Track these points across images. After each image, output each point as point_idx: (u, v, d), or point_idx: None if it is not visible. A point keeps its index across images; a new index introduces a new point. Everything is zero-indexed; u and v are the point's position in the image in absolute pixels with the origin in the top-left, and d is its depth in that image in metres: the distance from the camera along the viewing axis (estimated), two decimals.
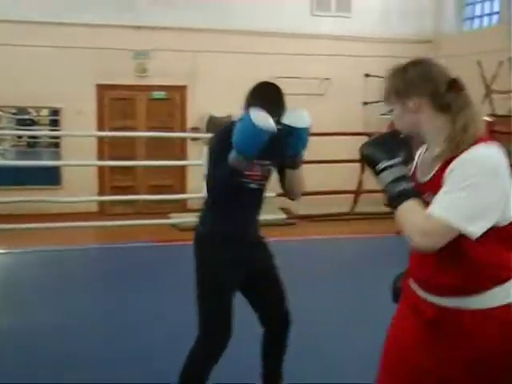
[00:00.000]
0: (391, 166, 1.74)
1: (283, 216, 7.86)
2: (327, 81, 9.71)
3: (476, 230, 1.64)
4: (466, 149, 1.69)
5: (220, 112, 9.45)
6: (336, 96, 9.69)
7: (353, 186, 7.74)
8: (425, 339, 1.79)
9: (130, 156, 8.95)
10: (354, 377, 3.23)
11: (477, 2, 10.14)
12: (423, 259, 1.80)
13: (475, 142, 1.70)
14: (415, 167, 1.91)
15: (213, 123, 9.42)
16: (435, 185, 1.72)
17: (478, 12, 10.13)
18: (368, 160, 1.81)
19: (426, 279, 1.81)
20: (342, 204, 8.00)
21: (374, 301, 4.70)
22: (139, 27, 8.94)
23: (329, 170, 8.08)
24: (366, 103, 9.86)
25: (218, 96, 9.37)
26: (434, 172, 1.77)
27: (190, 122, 9.51)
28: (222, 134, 2.69)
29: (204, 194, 2.86)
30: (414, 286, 1.87)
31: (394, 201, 1.74)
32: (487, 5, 9.90)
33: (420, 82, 1.81)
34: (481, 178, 1.64)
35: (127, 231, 7.29)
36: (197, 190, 7.73)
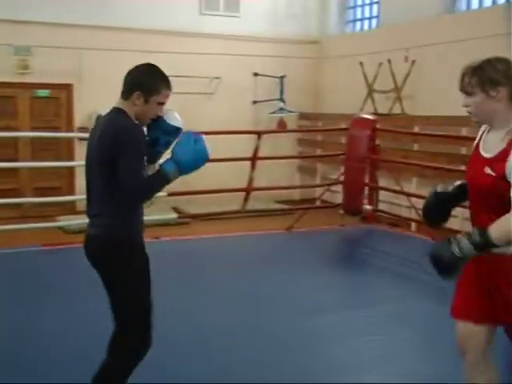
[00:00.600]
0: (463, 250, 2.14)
1: (175, 215, 7.81)
2: (217, 80, 9.75)
3: None
4: None
5: (108, 111, 9.24)
6: (226, 95, 9.75)
7: (243, 184, 7.82)
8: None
9: (14, 157, 8.53)
10: None
11: (358, 5, 10.57)
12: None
13: None
14: (478, 143, 2.37)
15: None
16: (499, 160, 2.18)
17: (359, 15, 10.57)
18: (442, 271, 2.21)
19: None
20: (233, 202, 8.06)
21: (264, 294, 4.78)
22: (19, 22, 8.53)
23: (219, 169, 8.11)
24: (255, 102, 9.99)
25: (106, 95, 9.03)
26: (499, 150, 2.21)
27: (78, 121, 9.22)
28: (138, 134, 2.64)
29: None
30: None
31: (489, 248, 2.13)
32: (367, 9, 10.35)
33: (508, 74, 2.23)
34: None
35: (12, 236, 6.95)
36: (85, 191, 7.50)
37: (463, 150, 7.35)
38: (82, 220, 7.34)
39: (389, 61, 8.83)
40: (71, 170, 9.09)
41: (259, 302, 4.60)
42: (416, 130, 8.10)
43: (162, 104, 2.67)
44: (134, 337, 2.64)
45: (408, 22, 8.70)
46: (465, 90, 2.34)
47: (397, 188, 7.56)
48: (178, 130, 2.68)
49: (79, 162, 8.67)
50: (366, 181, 7.53)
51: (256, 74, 10.06)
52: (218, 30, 9.85)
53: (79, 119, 9.22)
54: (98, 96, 9.07)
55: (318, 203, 8.67)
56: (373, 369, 3.58)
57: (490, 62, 2.28)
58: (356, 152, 7.37)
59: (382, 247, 6.65)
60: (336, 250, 6.89)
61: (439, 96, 7.90)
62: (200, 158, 2.59)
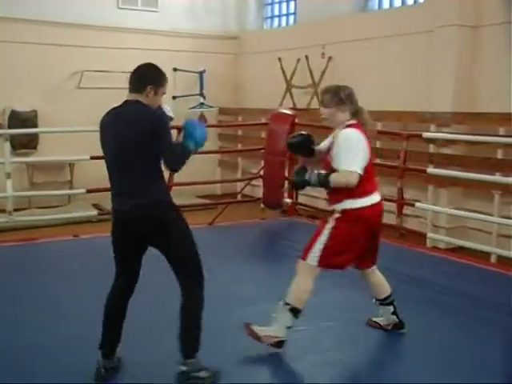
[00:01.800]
0: (310, 179, 3.63)
1: (95, 212, 7.66)
2: None
3: None
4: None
5: (23, 106, 8.93)
6: None
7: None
8: None
9: None
10: None
11: (275, 2, 10.69)
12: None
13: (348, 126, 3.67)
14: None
15: (15, 118, 8.87)
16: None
17: (276, 12, 10.69)
18: (301, 185, 3.71)
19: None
20: None
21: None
22: None
23: None
24: (175, 97, 9.93)
25: (20, 90, 8.85)
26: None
27: None
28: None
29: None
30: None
31: (325, 183, 3.58)
32: (284, 6, 10.49)
33: (352, 97, 3.68)
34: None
35: None
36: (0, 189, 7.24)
37: (378, 144, 7.60)
38: (3, 218, 7.15)
39: (306, 57, 8.98)
40: None
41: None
42: None
43: (164, 94, 3.30)
44: (199, 275, 3.25)
45: (324, 19, 8.89)
46: (323, 104, 3.66)
47: None
48: (171, 118, 3.40)
49: None
50: (286, 175, 7.63)
51: (175, 69, 9.99)
52: (136, 24, 9.71)
53: None
54: (11, 91, 8.80)
55: (239, 197, 8.73)
56: (297, 359, 3.67)
57: (340, 88, 3.63)
58: (276, 146, 7.45)
59: (302, 239, 6.70)
60: (257, 243, 6.95)
61: (355, 91, 8.12)
62: (204, 139, 3.27)
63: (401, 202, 6.46)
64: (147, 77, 3.23)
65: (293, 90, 9.27)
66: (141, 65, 3.30)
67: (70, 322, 4.11)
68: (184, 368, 3.21)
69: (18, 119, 8.86)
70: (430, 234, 6.70)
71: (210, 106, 10.26)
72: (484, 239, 6.42)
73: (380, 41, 8.05)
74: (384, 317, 4.01)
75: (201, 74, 10.21)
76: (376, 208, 3.64)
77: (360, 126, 3.63)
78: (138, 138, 3.10)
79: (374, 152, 7.62)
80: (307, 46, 9.02)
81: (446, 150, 6.98)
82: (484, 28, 6.94)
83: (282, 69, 9.36)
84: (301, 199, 8.32)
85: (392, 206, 6.82)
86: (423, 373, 3.47)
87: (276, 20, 10.74)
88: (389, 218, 7.37)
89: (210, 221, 7.49)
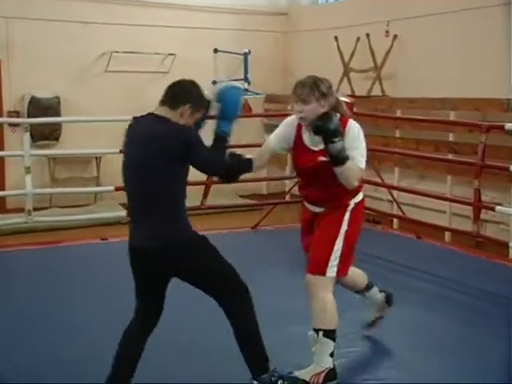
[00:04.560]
0: (340, 140, 3.43)
1: (124, 213, 7.76)
2: (172, 56, 9.69)
3: None
4: None
5: (44, 92, 9.11)
6: (182, 74, 9.54)
7: (202, 177, 7.79)
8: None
9: None
10: None
11: None
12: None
13: None
14: (302, 139, 3.66)
15: (35, 106, 9.06)
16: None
17: None
18: (330, 132, 3.40)
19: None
20: (191, 197, 8.03)
21: None
22: None
23: None
24: (215, 82, 9.98)
25: (41, 73, 9.03)
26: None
27: (8, 104, 9.07)
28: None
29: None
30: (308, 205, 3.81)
31: (342, 160, 3.44)
32: None
33: (331, 90, 3.67)
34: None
35: None
36: (18, 186, 7.41)
37: (451, 137, 7.47)
38: (14, 219, 7.34)
39: (367, 35, 8.90)
40: (0, 161, 8.95)
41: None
42: (398, 113, 8.19)
43: (196, 120, 3.42)
44: (237, 290, 3.36)
45: None
46: (301, 99, 3.54)
47: (377, 180, 7.64)
48: (208, 102, 3.45)
49: (10, 151, 8.57)
50: None
51: (216, 51, 10.02)
52: None
53: (9, 102, 9.08)
54: (31, 75, 8.98)
55: (287, 197, 8.71)
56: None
57: (320, 80, 3.62)
58: None
59: (360, 247, 6.70)
60: None
61: (424, 76, 8.01)
62: (236, 103, 3.47)
63: (478, 206, 6.32)
64: (190, 94, 3.33)
65: (351, 75, 9.20)
66: (183, 80, 3.44)
67: (96, 343, 4.12)
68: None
69: (38, 107, 9.04)
70: None
71: (256, 93, 10.27)
72: None
73: (454, 16, 7.90)
74: (374, 306, 4.17)
75: (245, 55, 10.23)
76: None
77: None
78: (169, 155, 3.20)
79: (447, 145, 7.56)
80: (369, 23, 8.93)
81: None
82: None
83: (339, 49, 9.30)
84: None
85: (467, 210, 6.70)
86: None
87: None
88: (464, 224, 7.30)
89: (253, 224, 7.51)
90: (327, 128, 3.40)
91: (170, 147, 3.15)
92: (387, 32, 8.75)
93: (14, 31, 8.91)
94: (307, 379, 3.55)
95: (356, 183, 3.54)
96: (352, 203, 3.67)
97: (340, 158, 3.43)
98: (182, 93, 3.33)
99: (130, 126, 3.37)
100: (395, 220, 8.08)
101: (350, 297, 4.11)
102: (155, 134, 3.19)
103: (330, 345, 3.58)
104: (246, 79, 10.20)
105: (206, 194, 7.65)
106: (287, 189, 8.88)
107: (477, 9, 7.63)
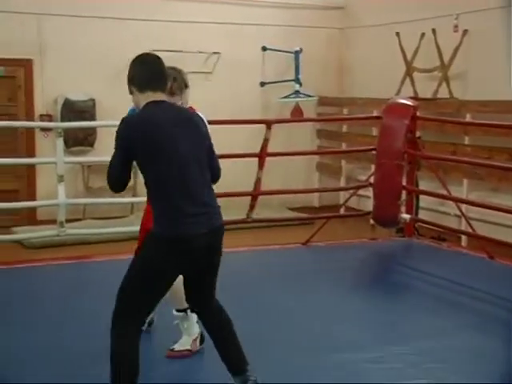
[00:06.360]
0: None
1: None
2: (216, 55, 9.77)
3: None
4: None
5: (78, 95, 9.26)
6: (227, 74, 9.76)
7: (249, 187, 7.83)
8: None
9: None
10: None
11: None
12: None
13: None
14: None
15: (69, 109, 9.21)
16: None
17: None
18: None
19: None
20: (236, 209, 8.06)
21: (281, 324, 4.79)
22: None
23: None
24: (263, 84, 10.02)
25: (75, 74, 9.17)
26: None
27: (40, 107, 9.25)
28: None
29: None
30: None
31: None
32: None
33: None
34: None
35: None
36: (49, 195, 7.54)
37: None
38: (45, 232, 7.47)
39: (433, 31, 8.83)
40: (31, 168, 9.12)
41: (275, 336, 4.61)
42: (468, 118, 8.10)
43: None
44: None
45: None
46: (171, 91, 3.90)
47: (443, 192, 7.56)
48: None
49: (42, 158, 8.74)
50: (404, 183, 7.52)
51: (265, 49, 10.07)
52: None
53: (41, 105, 9.26)
54: (65, 76, 9.13)
55: (342, 211, 8.68)
56: None
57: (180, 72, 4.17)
58: (391, 147, 7.37)
59: (423, 266, 6.65)
60: (365, 269, 6.90)
61: (498, 75, 7.90)
62: None
63: None
64: (167, 74, 3.63)
65: (414, 75, 9.14)
66: (145, 55, 3.56)
67: None
68: (255, 376, 3.57)
69: (72, 110, 9.19)
70: None
71: (308, 96, 10.27)
72: None
73: None
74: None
75: (296, 54, 10.25)
76: None
77: None
78: (206, 142, 3.59)
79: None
80: (435, 17, 8.86)
81: None
82: None
83: (401, 47, 9.25)
84: (423, 215, 8.17)
85: None
86: None
87: None
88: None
89: (304, 239, 7.49)
90: None
91: (206, 134, 3.57)
92: (456, 27, 8.67)
93: (45, 29, 9.08)
94: (189, 348, 4.26)
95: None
96: None
97: None
98: (164, 70, 3.51)
99: (144, 114, 3.45)
100: (463, 237, 7.96)
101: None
102: (190, 121, 3.51)
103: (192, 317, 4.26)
104: (297, 80, 10.22)
105: (252, 207, 7.67)
106: (342, 201, 8.84)
107: None
